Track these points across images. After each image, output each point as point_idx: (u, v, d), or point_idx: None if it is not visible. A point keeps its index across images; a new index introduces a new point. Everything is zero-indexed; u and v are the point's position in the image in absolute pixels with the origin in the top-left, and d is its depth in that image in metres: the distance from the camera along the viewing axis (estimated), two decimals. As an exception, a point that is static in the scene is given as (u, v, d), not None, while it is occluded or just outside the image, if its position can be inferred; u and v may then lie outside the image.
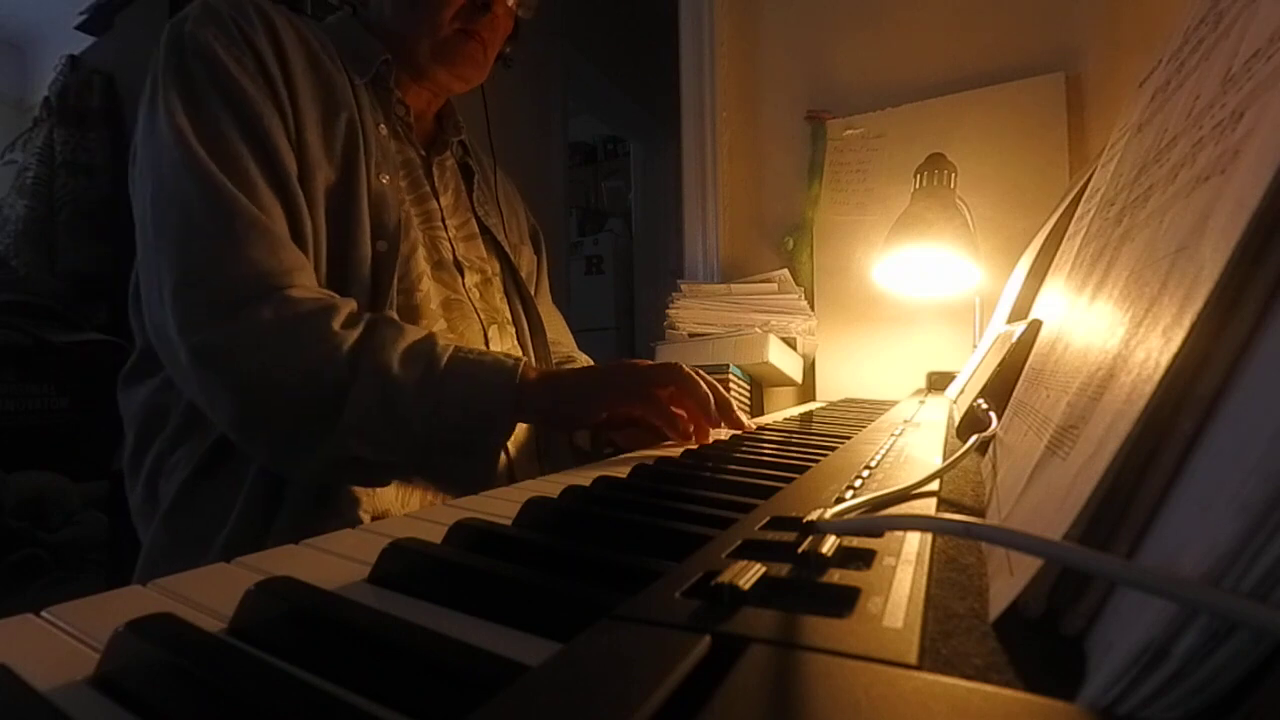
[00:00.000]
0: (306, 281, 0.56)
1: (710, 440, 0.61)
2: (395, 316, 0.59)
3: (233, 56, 0.58)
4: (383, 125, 0.69)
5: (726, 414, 0.62)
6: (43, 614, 0.20)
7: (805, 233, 1.37)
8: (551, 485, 0.40)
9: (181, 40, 0.58)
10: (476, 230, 0.80)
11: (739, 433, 0.66)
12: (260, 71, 0.59)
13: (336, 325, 0.53)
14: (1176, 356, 0.14)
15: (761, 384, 1.31)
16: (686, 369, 0.60)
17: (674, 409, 0.60)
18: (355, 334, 0.54)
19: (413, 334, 0.56)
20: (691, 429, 0.61)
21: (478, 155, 0.87)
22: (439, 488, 0.63)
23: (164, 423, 0.62)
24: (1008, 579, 0.18)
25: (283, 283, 0.54)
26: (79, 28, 1.62)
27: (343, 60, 0.68)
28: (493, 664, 0.17)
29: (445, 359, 0.55)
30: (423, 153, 0.76)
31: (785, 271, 1.30)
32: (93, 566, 1.27)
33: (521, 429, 0.74)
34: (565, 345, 0.97)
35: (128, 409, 0.65)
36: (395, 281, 0.64)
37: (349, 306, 0.56)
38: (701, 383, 0.60)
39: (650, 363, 0.61)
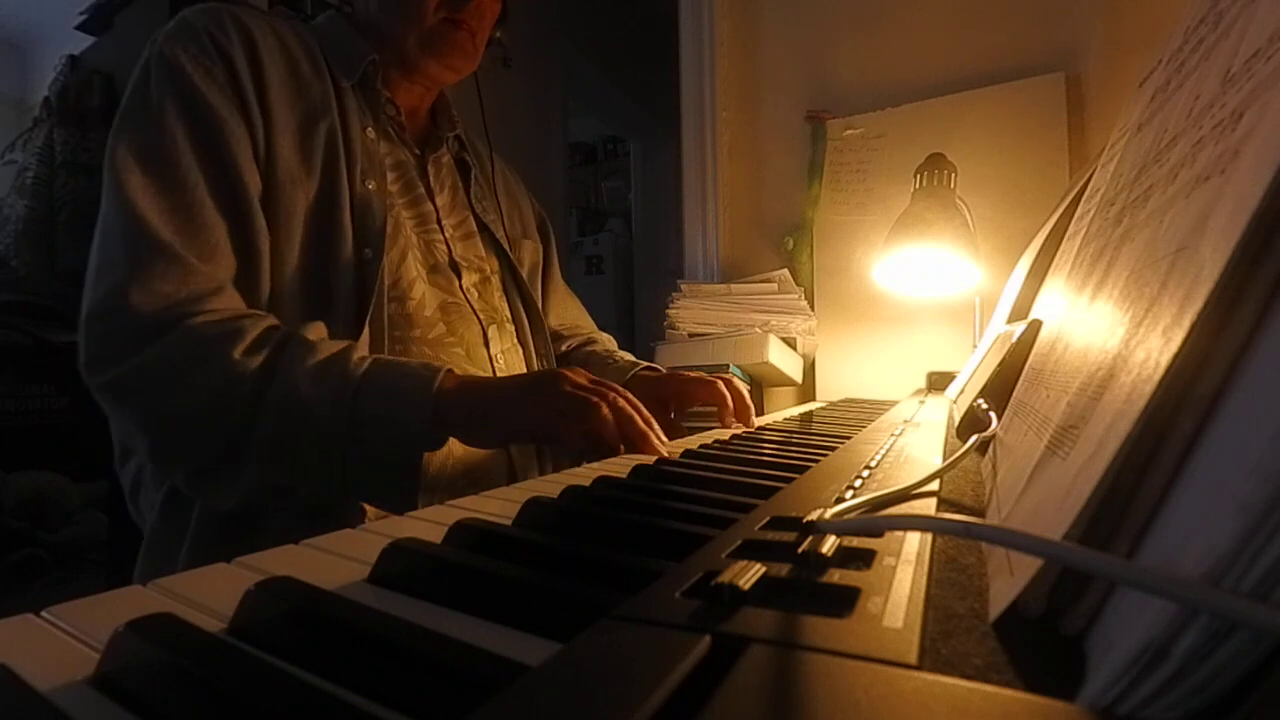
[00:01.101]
0: (223, 304, 0.54)
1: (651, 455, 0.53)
2: (315, 332, 0.56)
3: (202, 70, 0.58)
4: (370, 128, 0.69)
5: (640, 444, 0.53)
6: (43, 614, 0.20)
7: (805, 233, 1.37)
8: (551, 485, 0.40)
9: (150, 57, 0.58)
10: (474, 228, 0.79)
11: (738, 433, 0.66)
12: (231, 84, 0.59)
13: (239, 352, 0.51)
14: (1176, 356, 0.14)
15: (761, 384, 1.31)
16: (607, 401, 0.53)
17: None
18: (260, 359, 0.52)
19: (325, 349, 0.54)
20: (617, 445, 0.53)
21: (475, 149, 0.86)
22: (368, 504, 0.59)
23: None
24: (1008, 579, 0.18)
25: (190, 311, 0.52)
26: (79, 28, 1.61)
27: (329, 63, 0.67)
28: (493, 664, 0.17)
29: (359, 374, 0.52)
30: (417, 152, 0.76)
31: (785, 271, 1.30)
32: (93, 566, 1.27)
33: None
34: (585, 328, 0.98)
35: (113, 424, 0.65)
36: (385, 289, 0.63)
37: (259, 327, 0.54)
38: (615, 419, 0.52)
39: (572, 386, 0.54)
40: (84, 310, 0.53)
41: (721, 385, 0.73)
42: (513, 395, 0.55)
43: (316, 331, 0.57)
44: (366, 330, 0.62)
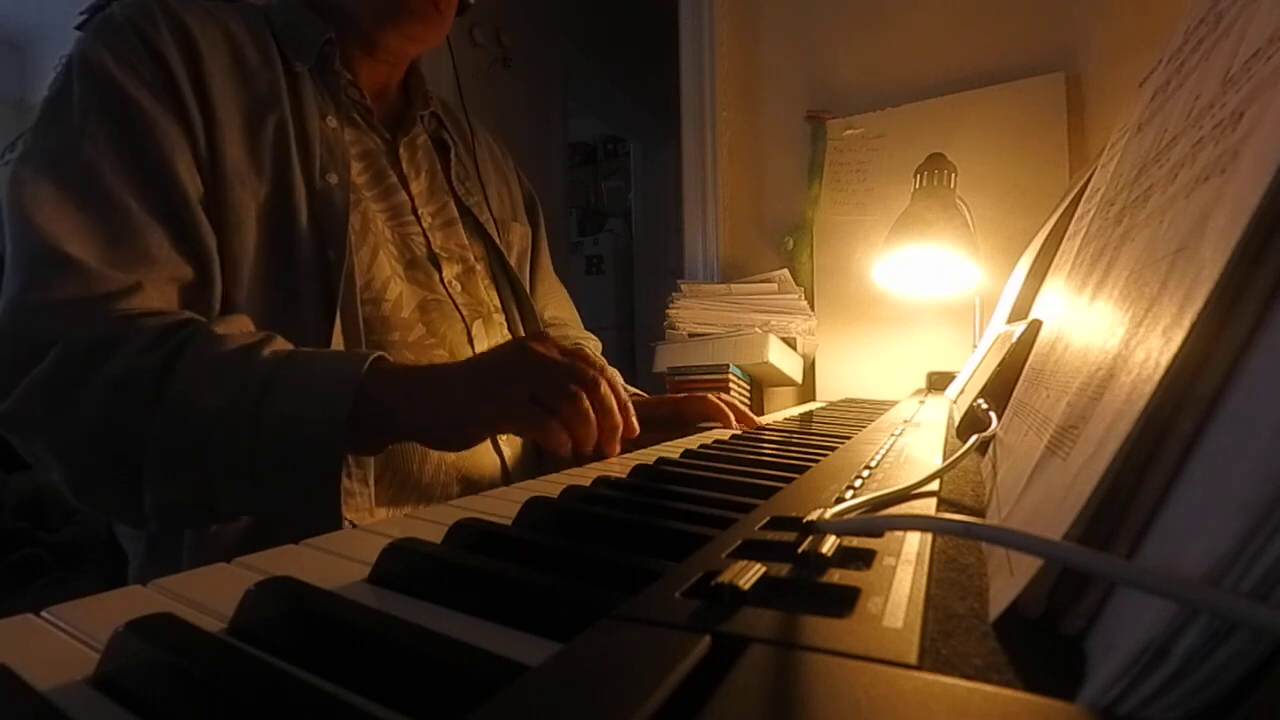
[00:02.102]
0: (138, 304, 0.48)
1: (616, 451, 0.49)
2: (229, 326, 0.50)
3: (127, 68, 0.53)
4: (331, 116, 0.63)
5: (607, 438, 0.48)
6: (43, 614, 0.20)
7: (805, 233, 1.37)
8: (551, 485, 0.40)
9: (70, 61, 0.54)
10: (456, 215, 0.74)
11: (738, 433, 0.66)
12: (161, 81, 0.54)
13: (134, 351, 0.45)
14: (1176, 356, 0.14)
15: (761, 384, 1.31)
16: (566, 373, 0.46)
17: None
18: (157, 357, 0.45)
19: (231, 343, 0.47)
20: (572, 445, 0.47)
21: (456, 122, 0.80)
22: (296, 521, 0.51)
23: None
24: (1008, 579, 0.18)
25: (89, 313, 0.47)
26: (79, 28, 1.61)
27: (281, 49, 0.62)
28: (493, 664, 0.17)
29: (264, 373, 0.45)
30: (387, 136, 0.70)
31: (785, 271, 1.30)
32: (93, 566, 1.27)
33: None
34: (570, 326, 0.91)
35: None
36: (357, 291, 0.59)
37: (161, 323, 0.47)
38: (589, 398, 0.46)
39: (532, 356, 0.47)
40: None
41: (715, 399, 0.71)
42: (461, 382, 0.47)
43: (232, 325, 0.51)
44: (339, 337, 0.57)
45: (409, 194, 0.70)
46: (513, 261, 0.80)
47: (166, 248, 0.52)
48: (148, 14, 0.56)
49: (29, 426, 0.47)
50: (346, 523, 0.55)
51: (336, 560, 0.27)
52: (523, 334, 0.77)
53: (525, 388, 0.46)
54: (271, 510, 0.48)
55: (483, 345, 0.70)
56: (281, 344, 0.49)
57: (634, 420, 0.50)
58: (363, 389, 0.44)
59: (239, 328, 0.51)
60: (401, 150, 0.71)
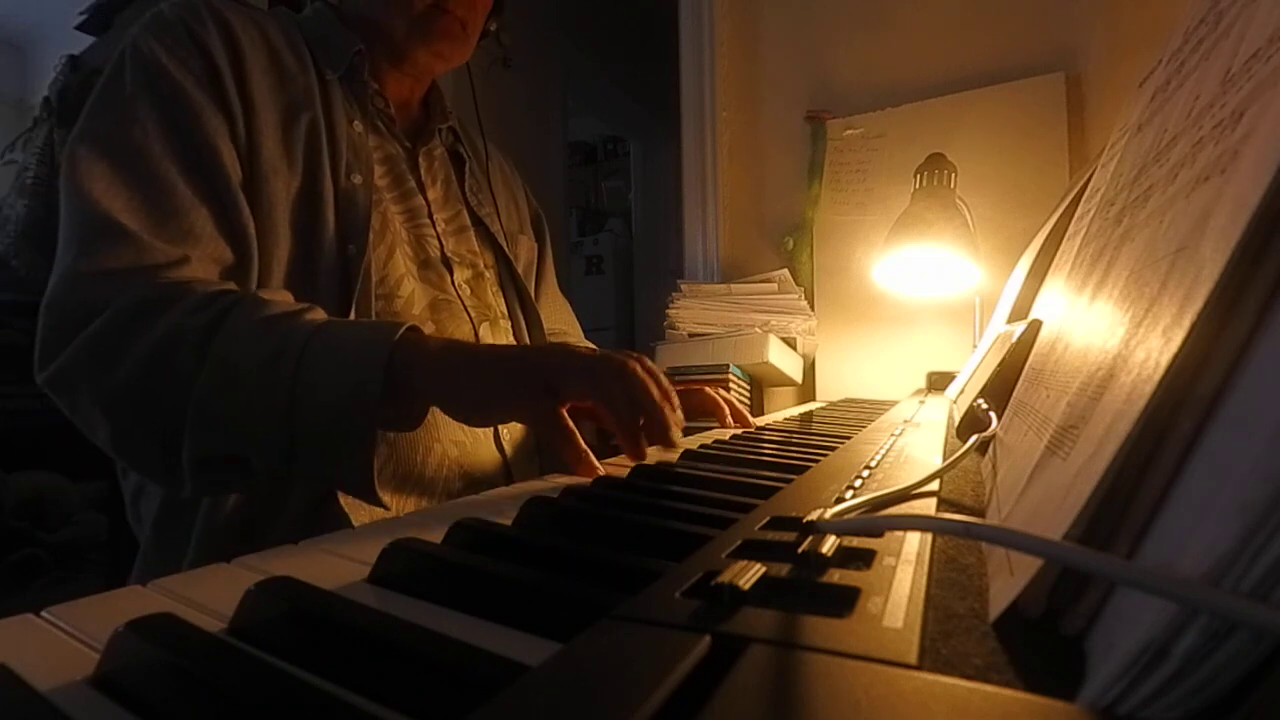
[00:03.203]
0: (182, 275, 0.51)
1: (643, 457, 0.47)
2: (277, 295, 0.53)
3: (177, 60, 0.57)
4: (357, 122, 0.67)
5: (659, 434, 0.46)
6: (43, 614, 0.20)
7: (805, 233, 1.37)
8: (551, 485, 0.40)
9: (124, 52, 0.57)
10: (468, 222, 0.78)
11: (738, 433, 0.66)
12: (209, 74, 0.57)
13: (182, 311, 0.47)
14: (1176, 356, 0.14)
15: (761, 384, 1.31)
16: (626, 367, 0.46)
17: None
18: (205, 317, 0.47)
19: (277, 308, 0.49)
20: (587, 456, 0.46)
21: (470, 140, 0.85)
22: (333, 486, 0.55)
23: None
24: (1008, 579, 0.18)
25: (139, 281, 0.49)
26: (79, 28, 1.62)
27: (314, 56, 0.66)
28: (493, 664, 0.17)
29: (307, 334, 0.47)
30: (407, 145, 0.74)
31: (785, 271, 1.30)
32: (93, 566, 1.27)
33: (520, 426, 0.73)
34: (572, 335, 0.95)
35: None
36: (372, 286, 0.62)
37: (211, 289, 0.50)
38: (643, 389, 0.46)
39: (571, 353, 0.48)
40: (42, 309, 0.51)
41: (712, 392, 0.72)
42: (490, 362, 0.48)
43: (276, 294, 0.53)
44: None
45: (425, 199, 0.73)
46: (519, 270, 0.83)
47: (210, 227, 0.55)
48: (195, 13, 0.59)
49: (77, 383, 0.49)
50: (348, 516, 0.56)
51: (336, 560, 0.27)
52: (527, 340, 0.80)
53: (544, 380, 0.46)
54: (307, 469, 0.48)
55: None
56: (321, 314, 0.51)
57: (676, 410, 0.48)
58: (395, 352, 0.46)
59: (282, 297, 0.53)
60: (420, 158, 0.75)
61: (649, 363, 0.49)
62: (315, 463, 0.47)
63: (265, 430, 0.46)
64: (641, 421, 0.46)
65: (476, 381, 0.47)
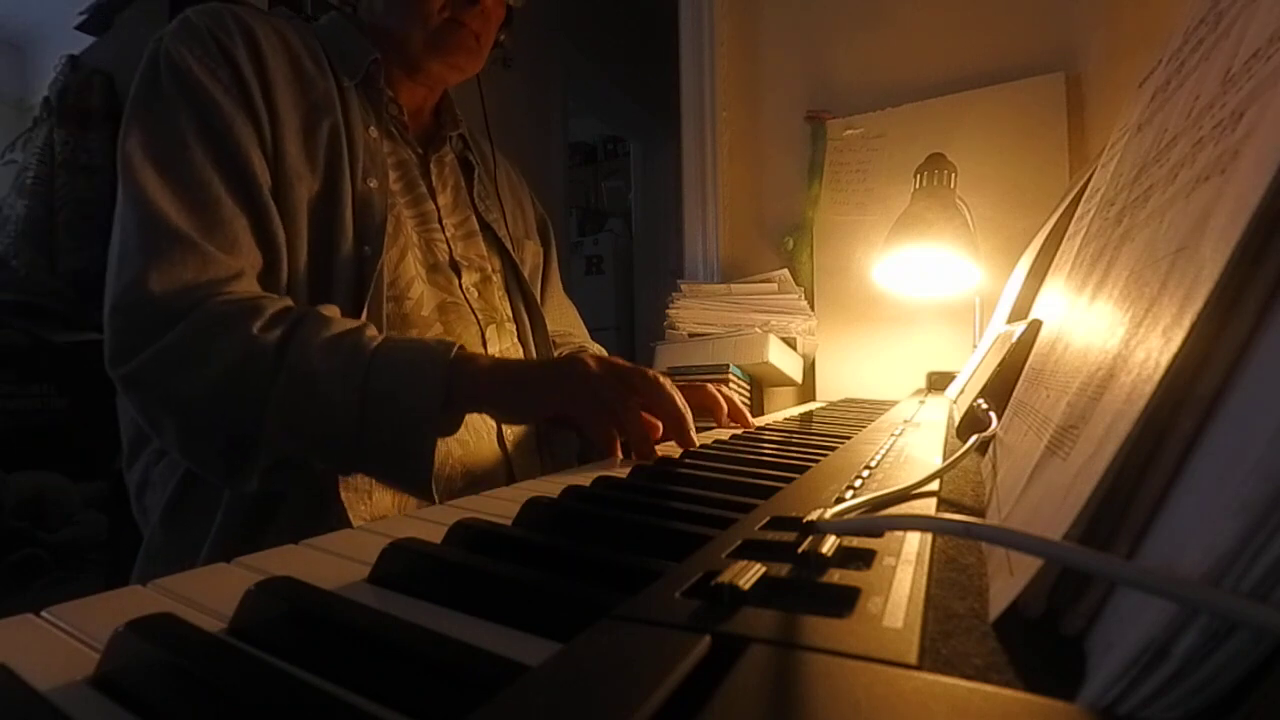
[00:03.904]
0: (243, 288, 0.55)
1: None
2: (331, 311, 0.56)
3: (207, 70, 0.58)
4: (373, 128, 0.69)
5: (681, 435, 0.54)
6: (43, 614, 0.20)
7: (805, 233, 1.37)
8: (551, 485, 0.40)
9: (155, 56, 0.59)
10: (476, 227, 0.80)
11: (738, 433, 0.66)
12: (236, 84, 0.59)
13: (257, 327, 0.52)
14: (1176, 356, 0.14)
15: (761, 384, 1.31)
16: (657, 383, 0.54)
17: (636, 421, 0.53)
18: (278, 331, 0.52)
19: (340, 325, 0.54)
20: (620, 452, 0.54)
21: (479, 147, 0.87)
22: (385, 484, 0.60)
23: (150, 437, 0.62)
24: (1008, 579, 0.18)
25: (209, 294, 0.53)
26: (79, 28, 1.61)
27: (331, 63, 0.68)
28: (493, 664, 0.17)
29: (371, 349, 0.52)
30: (419, 151, 0.76)
31: (785, 271, 1.30)
32: (93, 566, 1.27)
33: (521, 428, 0.73)
34: (578, 336, 0.97)
35: (123, 418, 0.65)
36: (384, 288, 0.64)
37: (277, 305, 0.54)
38: (668, 400, 0.54)
39: (618, 367, 0.55)
40: (107, 306, 0.54)
41: (713, 390, 0.72)
42: (540, 375, 0.55)
43: (332, 310, 0.58)
44: None
45: (436, 204, 0.75)
46: (526, 275, 0.84)
47: (248, 236, 0.57)
48: (220, 22, 0.61)
49: (151, 388, 0.53)
50: (348, 516, 0.58)
51: (336, 560, 0.27)
52: (532, 342, 0.82)
53: (592, 388, 0.53)
54: (370, 470, 0.55)
55: (495, 349, 0.74)
56: (374, 330, 0.56)
57: (689, 428, 0.55)
58: (453, 368, 0.52)
59: (331, 312, 0.57)
60: (431, 165, 0.76)
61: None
62: (380, 464, 0.53)
63: (336, 435, 0.51)
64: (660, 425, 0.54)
65: (526, 388, 0.54)
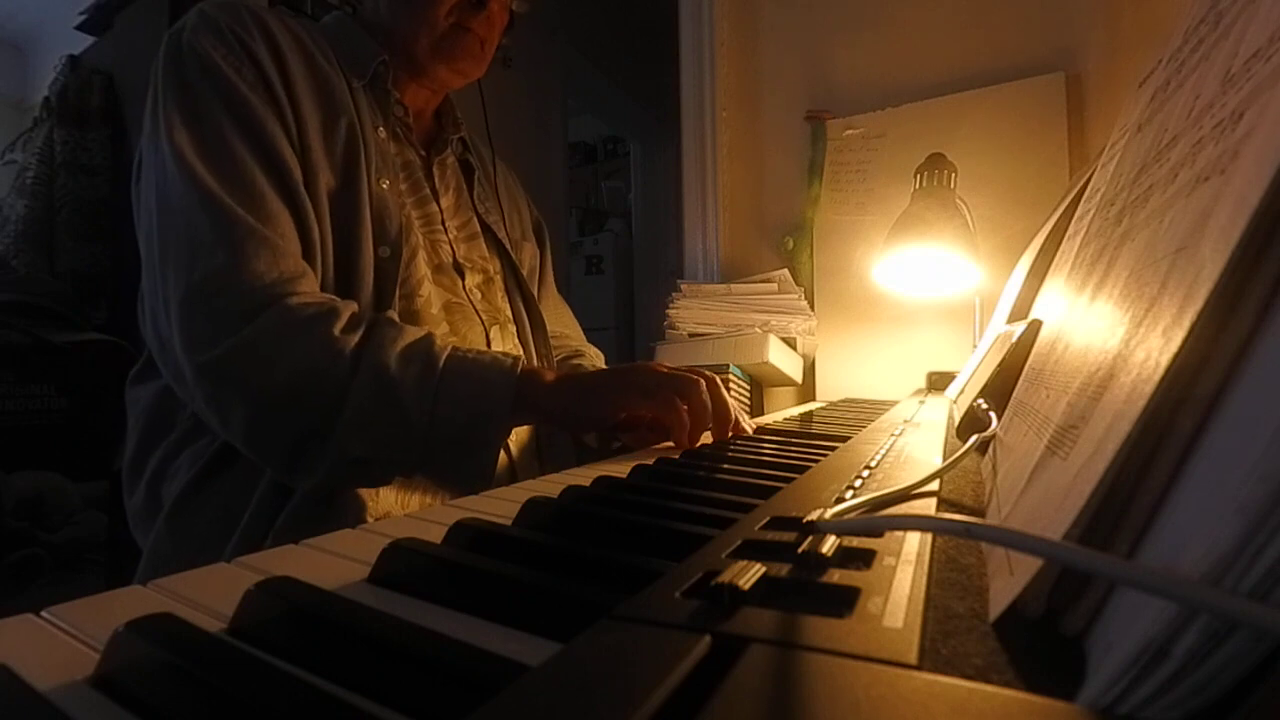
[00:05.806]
0: (308, 288, 0.57)
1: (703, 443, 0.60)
2: (395, 318, 0.59)
3: (232, 66, 0.58)
4: (381, 128, 0.69)
5: (725, 427, 0.60)
6: (43, 614, 0.20)
7: (805, 233, 1.37)
8: (551, 485, 0.40)
9: (180, 51, 0.58)
10: (478, 229, 0.80)
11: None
12: (260, 80, 0.59)
13: (337, 329, 0.54)
14: (1176, 356, 0.14)
15: (761, 384, 1.31)
16: (705, 381, 0.59)
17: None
18: (356, 336, 0.54)
19: (411, 334, 0.56)
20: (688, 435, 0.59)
21: (478, 150, 0.87)
22: (441, 485, 0.63)
23: (170, 424, 0.62)
24: (1008, 579, 0.18)
25: (285, 291, 0.54)
26: (79, 28, 1.61)
27: (340, 63, 0.68)
28: (493, 664, 0.17)
29: (443, 358, 0.55)
30: (423, 153, 0.76)
31: (785, 271, 1.30)
32: (93, 566, 1.27)
33: (522, 428, 0.74)
34: (573, 339, 0.97)
35: (134, 408, 0.65)
36: (396, 287, 0.64)
37: (350, 309, 0.56)
38: (713, 396, 0.59)
39: (671, 368, 0.60)
40: (177, 295, 0.54)
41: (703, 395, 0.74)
42: (613, 381, 0.59)
43: (391, 315, 0.60)
44: None
45: (439, 206, 0.76)
46: (524, 275, 0.85)
47: (291, 230, 0.58)
48: (239, 19, 0.61)
49: (227, 379, 0.54)
50: (369, 520, 0.58)
51: (336, 560, 0.27)
52: (532, 343, 0.82)
53: (656, 388, 0.57)
54: (433, 469, 0.57)
55: (498, 348, 0.75)
56: (438, 339, 0.58)
57: (737, 417, 0.61)
58: (521, 375, 0.56)
59: (396, 319, 0.59)
60: (434, 167, 0.77)
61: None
62: (446, 463, 0.55)
63: (408, 433, 0.53)
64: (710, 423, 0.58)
65: (596, 392, 0.59)
